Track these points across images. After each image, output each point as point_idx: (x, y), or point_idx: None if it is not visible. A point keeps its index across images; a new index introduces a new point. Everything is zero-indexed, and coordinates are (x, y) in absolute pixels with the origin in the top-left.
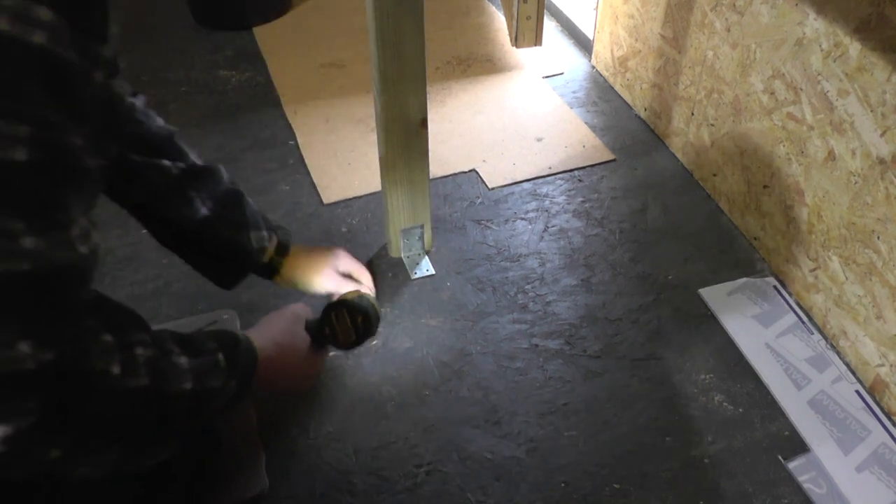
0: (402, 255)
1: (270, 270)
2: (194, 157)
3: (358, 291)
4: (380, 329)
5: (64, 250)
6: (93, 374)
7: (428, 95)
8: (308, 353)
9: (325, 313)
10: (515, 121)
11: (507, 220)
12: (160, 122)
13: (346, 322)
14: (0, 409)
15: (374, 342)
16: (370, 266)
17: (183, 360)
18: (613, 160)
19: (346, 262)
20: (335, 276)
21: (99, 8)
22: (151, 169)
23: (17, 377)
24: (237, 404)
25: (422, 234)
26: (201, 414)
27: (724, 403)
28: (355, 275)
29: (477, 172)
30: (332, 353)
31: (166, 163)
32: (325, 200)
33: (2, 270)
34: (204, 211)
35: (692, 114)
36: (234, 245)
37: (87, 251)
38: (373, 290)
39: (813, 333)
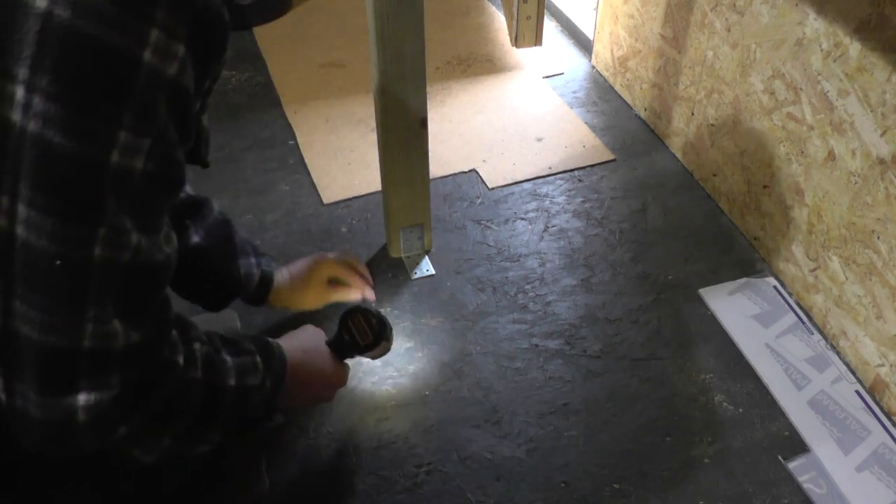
0: (402, 255)
1: (258, 296)
2: (188, 189)
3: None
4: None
5: (156, 250)
6: (165, 361)
7: (428, 95)
8: (332, 364)
9: (342, 320)
10: (515, 121)
11: (507, 220)
12: None
13: (361, 323)
14: (91, 379)
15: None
16: (368, 264)
17: (228, 358)
18: (613, 160)
19: (330, 268)
20: (322, 289)
21: (220, 53)
22: None
23: (108, 352)
24: (272, 406)
25: (422, 234)
26: (241, 410)
27: (724, 403)
28: (342, 278)
29: (477, 172)
30: (352, 362)
31: None
32: (325, 200)
33: (109, 256)
34: (196, 239)
35: (692, 114)
36: (223, 273)
37: (170, 251)
38: (369, 281)
39: (813, 333)
